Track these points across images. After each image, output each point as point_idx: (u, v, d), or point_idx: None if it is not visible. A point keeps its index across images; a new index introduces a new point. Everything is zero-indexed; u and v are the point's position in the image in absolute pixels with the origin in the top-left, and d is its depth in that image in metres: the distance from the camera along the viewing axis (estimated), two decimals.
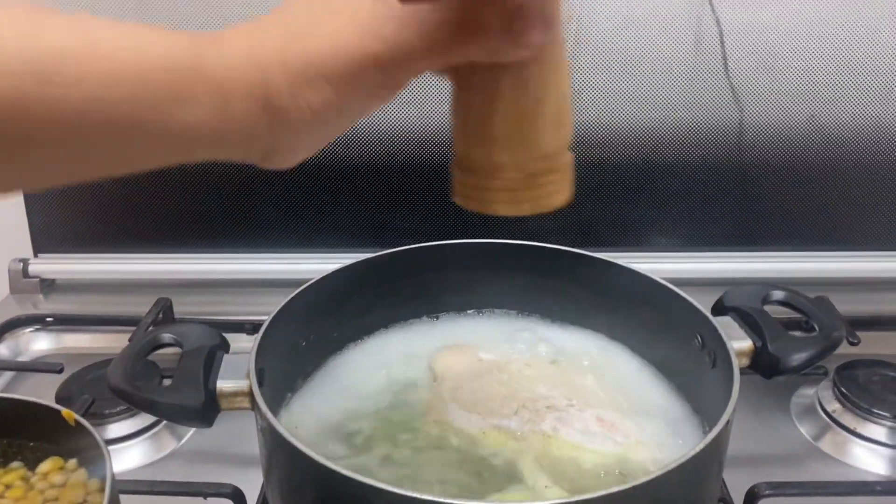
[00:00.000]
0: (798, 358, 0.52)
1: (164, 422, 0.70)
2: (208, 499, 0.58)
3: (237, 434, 0.69)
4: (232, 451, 0.68)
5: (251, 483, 0.59)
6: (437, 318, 0.69)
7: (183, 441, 0.70)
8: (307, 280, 0.60)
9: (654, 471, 0.41)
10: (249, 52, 0.30)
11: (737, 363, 0.50)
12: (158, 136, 0.30)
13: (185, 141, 0.31)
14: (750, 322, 0.55)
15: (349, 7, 0.30)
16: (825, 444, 0.68)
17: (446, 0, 0.29)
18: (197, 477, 0.61)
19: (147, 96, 0.29)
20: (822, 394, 0.72)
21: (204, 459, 0.67)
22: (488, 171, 0.35)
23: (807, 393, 0.73)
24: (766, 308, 0.57)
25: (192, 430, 0.71)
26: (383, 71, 0.30)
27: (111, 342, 0.81)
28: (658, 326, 0.61)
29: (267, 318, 0.55)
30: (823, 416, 0.70)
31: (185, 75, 0.30)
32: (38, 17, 0.29)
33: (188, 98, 0.30)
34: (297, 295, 0.59)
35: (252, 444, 0.66)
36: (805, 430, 0.70)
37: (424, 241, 0.66)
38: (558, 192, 0.36)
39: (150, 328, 0.77)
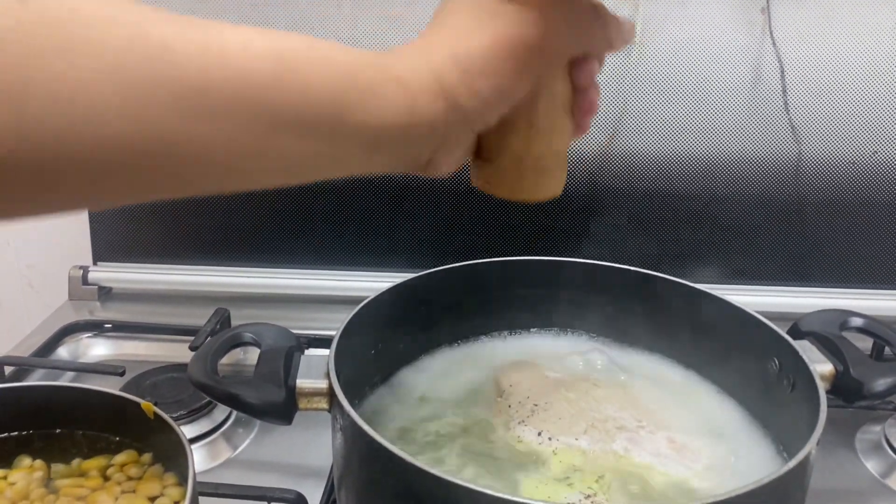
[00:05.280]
0: (883, 383, 0.51)
1: (221, 430, 0.70)
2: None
3: (294, 446, 0.69)
4: (288, 461, 0.67)
5: (309, 494, 0.59)
6: (504, 334, 0.68)
7: (238, 451, 0.69)
8: (361, 298, 0.59)
9: (748, 484, 0.40)
10: (424, 57, 0.35)
11: (822, 386, 0.49)
12: (353, 136, 0.33)
13: (375, 140, 0.33)
14: (829, 347, 0.54)
15: (501, 9, 0.35)
16: (894, 482, 0.66)
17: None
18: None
19: (354, 94, 0.32)
20: (890, 430, 0.70)
21: (259, 469, 0.67)
22: (508, 158, 0.40)
23: (873, 430, 0.72)
24: (845, 334, 0.56)
25: (249, 439, 0.70)
26: (540, 54, 0.36)
27: (168, 350, 0.82)
28: (731, 350, 0.60)
29: (340, 325, 0.55)
30: (891, 452, 0.68)
31: (380, 75, 0.33)
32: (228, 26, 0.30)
33: (383, 95, 0.33)
34: (368, 303, 0.59)
35: (308, 456, 0.67)
36: (871, 466, 0.68)
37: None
38: (556, 184, 0.43)
39: (209, 337, 0.77)
